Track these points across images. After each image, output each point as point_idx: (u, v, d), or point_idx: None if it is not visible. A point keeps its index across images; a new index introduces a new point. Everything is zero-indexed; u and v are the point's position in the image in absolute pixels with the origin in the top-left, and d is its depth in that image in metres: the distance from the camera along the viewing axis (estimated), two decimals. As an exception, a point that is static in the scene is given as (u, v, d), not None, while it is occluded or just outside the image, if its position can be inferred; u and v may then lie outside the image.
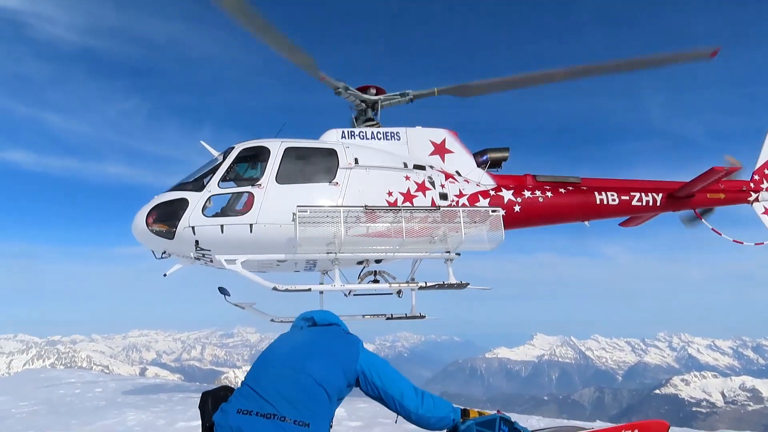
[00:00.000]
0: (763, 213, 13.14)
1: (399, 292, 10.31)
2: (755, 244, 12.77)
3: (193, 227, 9.00)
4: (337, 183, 9.53)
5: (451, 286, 9.83)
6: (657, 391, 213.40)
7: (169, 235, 9.10)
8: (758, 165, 13.63)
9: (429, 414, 3.64)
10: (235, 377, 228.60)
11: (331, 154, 9.85)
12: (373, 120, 11.19)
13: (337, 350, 3.64)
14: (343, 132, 10.59)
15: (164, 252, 9.51)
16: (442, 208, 9.78)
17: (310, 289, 9.38)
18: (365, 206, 9.24)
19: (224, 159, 9.56)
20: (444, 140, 11.15)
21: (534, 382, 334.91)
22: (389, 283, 10.16)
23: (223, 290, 9.90)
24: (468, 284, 9.96)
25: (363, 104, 11.17)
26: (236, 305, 10.55)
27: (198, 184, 9.39)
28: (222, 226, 9.02)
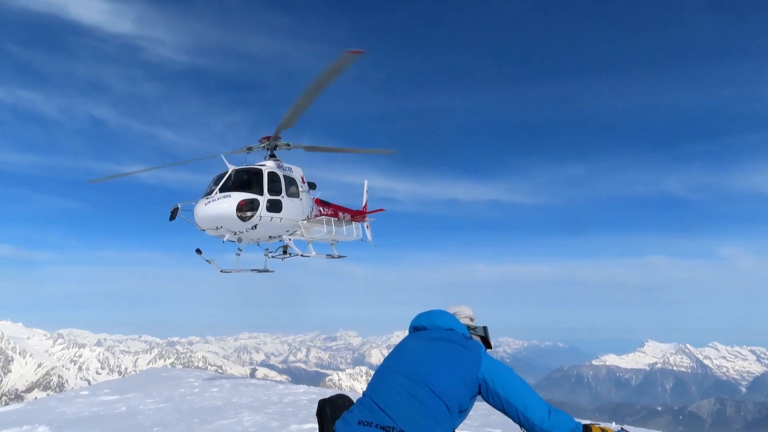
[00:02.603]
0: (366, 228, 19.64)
1: (302, 255, 15.74)
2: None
3: (261, 216, 13.60)
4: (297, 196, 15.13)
5: (331, 256, 16.57)
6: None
7: (246, 219, 13.32)
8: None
9: (554, 429, 3.46)
10: (339, 380, 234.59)
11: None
12: (276, 157, 15.54)
13: (457, 358, 3.44)
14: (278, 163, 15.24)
15: (236, 233, 13.75)
16: (328, 215, 16.71)
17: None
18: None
19: (260, 176, 14.10)
20: (302, 174, 15.85)
21: (646, 391, 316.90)
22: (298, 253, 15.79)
23: (199, 251, 15.01)
24: (345, 257, 16.88)
25: (268, 149, 15.44)
26: (206, 261, 15.44)
27: (259, 191, 13.76)
28: (272, 217, 13.95)
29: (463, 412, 3.44)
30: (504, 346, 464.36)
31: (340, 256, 16.83)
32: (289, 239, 15.32)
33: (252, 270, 16.57)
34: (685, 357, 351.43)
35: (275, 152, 15.40)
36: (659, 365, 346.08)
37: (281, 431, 9.10)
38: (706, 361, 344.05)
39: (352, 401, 3.56)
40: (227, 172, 13.80)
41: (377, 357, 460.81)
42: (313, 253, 15.82)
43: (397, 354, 3.59)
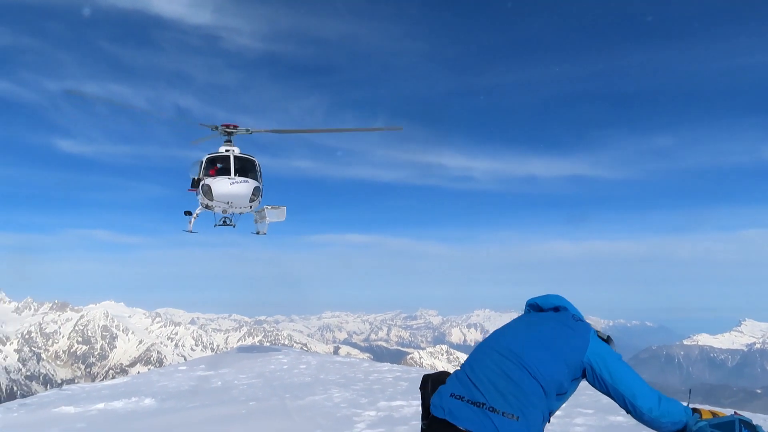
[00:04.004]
0: None
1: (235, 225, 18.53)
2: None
3: (256, 199, 17.10)
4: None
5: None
6: None
7: (251, 201, 16.83)
8: None
9: (664, 418, 3.31)
10: (420, 358, 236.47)
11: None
12: (231, 143, 17.70)
13: (562, 340, 3.36)
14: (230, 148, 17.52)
15: (232, 209, 17.10)
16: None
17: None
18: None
19: (255, 165, 17.35)
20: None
21: (743, 372, 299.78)
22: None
23: (188, 212, 18.10)
24: (264, 233, 19.16)
25: (227, 134, 17.77)
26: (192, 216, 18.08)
27: (256, 178, 17.00)
28: (258, 200, 17.31)
29: (562, 395, 3.35)
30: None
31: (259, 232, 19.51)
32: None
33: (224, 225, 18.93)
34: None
35: (231, 138, 17.88)
36: (758, 345, 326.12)
37: (370, 407, 9.24)
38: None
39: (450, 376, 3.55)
40: (229, 156, 16.93)
41: (457, 336, 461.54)
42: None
43: (500, 332, 3.56)
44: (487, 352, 3.42)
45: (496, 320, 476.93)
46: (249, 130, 17.86)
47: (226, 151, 17.23)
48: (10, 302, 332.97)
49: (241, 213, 17.89)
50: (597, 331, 3.58)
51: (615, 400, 3.37)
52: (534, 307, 3.68)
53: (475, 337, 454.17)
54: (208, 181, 16.55)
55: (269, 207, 18.46)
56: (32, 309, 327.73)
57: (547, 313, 3.61)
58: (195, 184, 17.54)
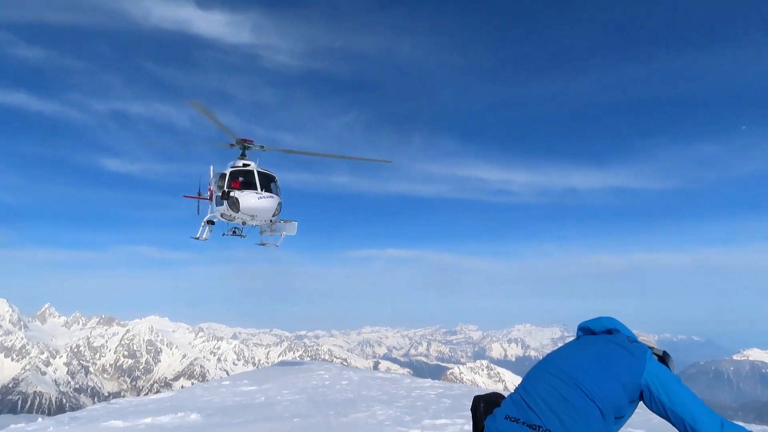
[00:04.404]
0: None
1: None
2: None
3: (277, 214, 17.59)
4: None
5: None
6: None
7: (274, 215, 17.40)
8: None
9: None
10: (460, 373, 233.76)
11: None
12: (246, 156, 18.31)
13: (618, 362, 3.32)
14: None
15: (253, 222, 17.87)
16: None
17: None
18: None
19: (276, 181, 17.81)
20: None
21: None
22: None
23: (212, 222, 18.56)
24: (276, 245, 19.63)
25: (244, 149, 18.34)
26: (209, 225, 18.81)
27: (277, 193, 17.51)
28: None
29: (620, 419, 3.30)
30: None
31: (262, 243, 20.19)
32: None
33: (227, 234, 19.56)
34: None
35: (246, 152, 18.45)
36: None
37: (415, 426, 9.10)
38: None
39: (504, 398, 3.50)
40: (252, 171, 17.41)
41: (498, 351, 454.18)
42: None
43: (554, 354, 3.48)
44: (540, 374, 3.36)
45: (537, 335, 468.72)
46: (263, 147, 18.40)
47: (245, 165, 17.75)
48: (59, 317, 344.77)
49: (256, 225, 18.57)
50: (652, 348, 3.52)
51: (674, 424, 3.30)
52: (586, 331, 3.58)
53: (515, 352, 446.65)
54: (236, 194, 17.05)
55: (282, 221, 18.89)
56: (80, 323, 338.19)
57: (600, 336, 3.50)
58: (225, 195, 17.70)
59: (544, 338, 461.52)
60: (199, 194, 21.23)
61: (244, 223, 18.16)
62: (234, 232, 18.91)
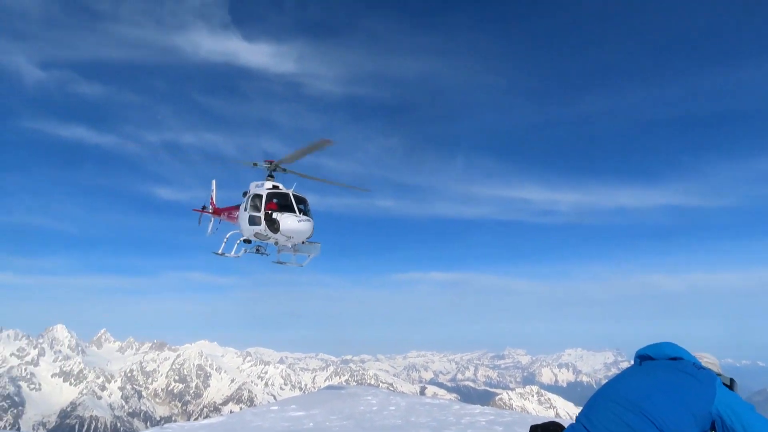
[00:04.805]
0: None
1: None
2: None
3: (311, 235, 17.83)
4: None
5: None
6: None
7: (308, 237, 17.70)
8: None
9: None
10: (509, 399, 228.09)
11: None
12: (273, 178, 18.87)
13: (687, 390, 3.18)
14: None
15: (288, 243, 18.21)
16: None
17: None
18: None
19: (307, 204, 18.10)
20: None
21: None
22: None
23: (248, 240, 18.62)
24: (302, 265, 19.93)
25: (269, 170, 18.91)
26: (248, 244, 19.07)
27: (311, 216, 17.73)
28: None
29: None
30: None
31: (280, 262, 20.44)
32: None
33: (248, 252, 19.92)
34: None
35: (273, 173, 19.01)
36: None
37: (465, 453, 8.93)
38: None
39: (564, 428, 3.39)
40: (288, 194, 17.92)
41: (548, 376, 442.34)
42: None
43: (615, 381, 3.34)
44: (603, 403, 3.24)
45: (589, 360, 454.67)
46: (285, 169, 19.05)
47: (275, 187, 18.36)
48: (114, 342, 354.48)
49: (289, 245, 19.03)
50: (720, 375, 3.36)
51: None
52: (644, 358, 3.38)
53: (566, 377, 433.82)
54: (277, 215, 17.51)
55: (307, 242, 19.18)
56: (134, 348, 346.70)
57: (664, 362, 3.30)
58: (267, 217, 18.06)
59: (596, 363, 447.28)
60: (203, 208, 22.30)
61: (276, 243, 18.55)
62: (258, 250, 19.49)
